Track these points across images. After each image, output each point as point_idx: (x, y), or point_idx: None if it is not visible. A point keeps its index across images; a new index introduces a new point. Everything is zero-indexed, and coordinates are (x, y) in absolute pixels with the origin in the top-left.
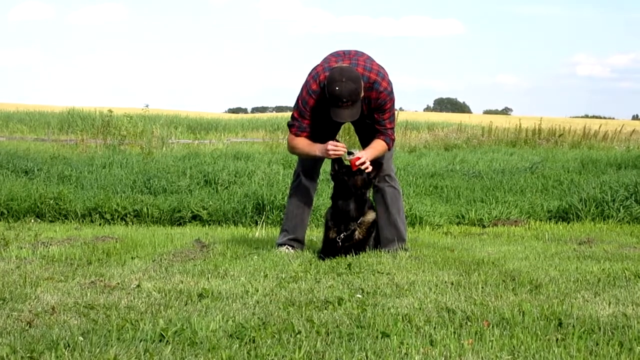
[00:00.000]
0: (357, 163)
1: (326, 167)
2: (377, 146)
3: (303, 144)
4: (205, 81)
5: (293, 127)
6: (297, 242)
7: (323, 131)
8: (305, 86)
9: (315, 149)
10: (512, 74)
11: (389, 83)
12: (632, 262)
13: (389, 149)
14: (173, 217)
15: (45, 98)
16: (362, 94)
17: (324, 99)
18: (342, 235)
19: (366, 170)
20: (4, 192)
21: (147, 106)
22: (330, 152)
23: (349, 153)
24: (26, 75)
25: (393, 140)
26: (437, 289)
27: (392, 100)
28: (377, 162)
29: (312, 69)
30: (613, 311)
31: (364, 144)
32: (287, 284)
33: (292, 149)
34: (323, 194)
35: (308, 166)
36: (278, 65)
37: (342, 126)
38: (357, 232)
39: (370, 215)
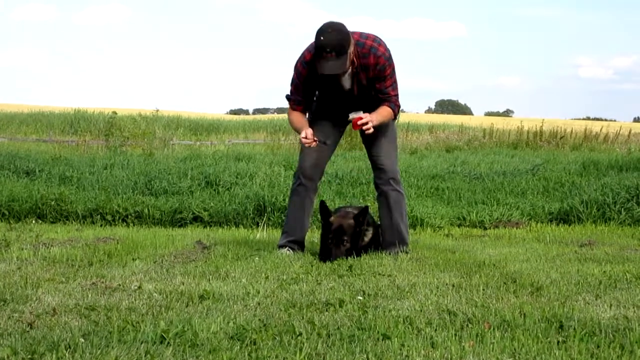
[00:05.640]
0: (359, 123)
1: (329, 168)
2: (382, 111)
3: (296, 120)
4: (206, 82)
5: (290, 100)
6: (297, 244)
7: (329, 109)
8: (299, 59)
9: (299, 130)
10: (514, 76)
11: (387, 49)
12: (633, 265)
13: (395, 116)
14: (174, 219)
15: (48, 99)
16: (352, 50)
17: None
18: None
19: (367, 132)
20: (5, 193)
21: (157, 110)
22: (303, 141)
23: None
24: (28, 76)
25: (399, 107)
26: (438, 291)
27: (392, 66)
28: (364, 210)
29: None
30: (614, 314)
31: (367, 145)
32: (288, 286)
33: (289, 122)
34: (324, 195)
35: (308, 168)
36: (279, 66)
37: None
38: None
39: (367, 237)
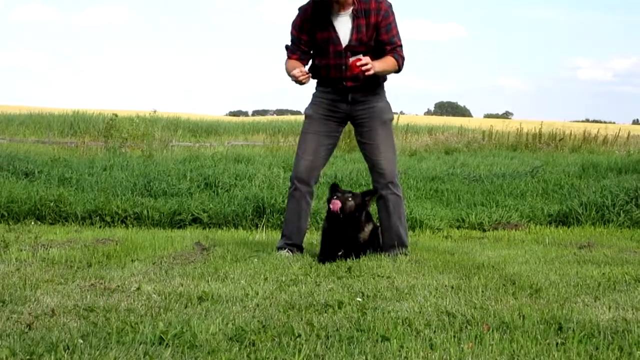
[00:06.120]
0: (359, 64)
1: (327, 170)
2: (386, 60)
3: (290, 64)
4: (206, 84)
5: (288, 49)
6: (295, 247)
7: (328, 79)
8: (297, 11)
9: (292, 70)
10: (513, 78)
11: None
12: (632, 267)
13: (399, 68)
14: (173, 220)
15: (48, 100)
16: None
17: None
18: (340, 254)
19: (367, 73)
20: (4, 195)
21: (155, 111)
22: (296, 75)
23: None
24: (28, 77)
25: (403, 58)
26: (437, 293)
27: (394, 14)
28: (372, 191)
29: None
30: (613, 315)
31: (365, 148)
32: (287, 287)
33: (285, 70)
34: (322, 197)
35: (302, 172)
36: (279, 68)
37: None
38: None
39: (368, 229)
